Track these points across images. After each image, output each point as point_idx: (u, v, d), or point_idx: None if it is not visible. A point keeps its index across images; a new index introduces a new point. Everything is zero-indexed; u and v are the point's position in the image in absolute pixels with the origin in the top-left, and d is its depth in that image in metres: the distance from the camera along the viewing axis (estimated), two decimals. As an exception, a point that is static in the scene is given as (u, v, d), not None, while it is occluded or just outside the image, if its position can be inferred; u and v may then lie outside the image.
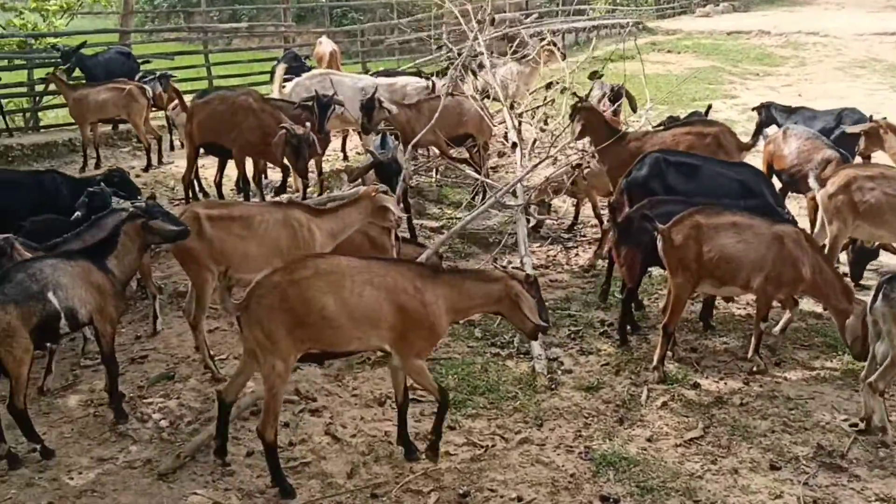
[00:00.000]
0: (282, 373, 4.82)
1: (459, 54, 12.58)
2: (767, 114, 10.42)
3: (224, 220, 6.11)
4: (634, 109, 11.52)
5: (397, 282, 4.86)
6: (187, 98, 11.54)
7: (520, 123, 11.09)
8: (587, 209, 9.52)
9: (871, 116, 9.09)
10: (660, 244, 6.07)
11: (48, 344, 5.69)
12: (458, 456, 5.37)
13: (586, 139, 8.76)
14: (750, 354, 6.33)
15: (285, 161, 8.40)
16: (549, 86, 10.89)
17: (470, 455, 5.36)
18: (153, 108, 13.15)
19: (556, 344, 6.79)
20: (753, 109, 10.77)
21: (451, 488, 5.03)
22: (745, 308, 7.44)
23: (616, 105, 11.22)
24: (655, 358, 6.24)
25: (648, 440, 5.46)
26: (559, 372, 6.34)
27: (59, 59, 13.39)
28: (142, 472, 5.21)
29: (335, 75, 11.32)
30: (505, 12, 21.49)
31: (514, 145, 9.36)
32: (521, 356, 6.61)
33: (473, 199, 10.07)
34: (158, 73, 13.32)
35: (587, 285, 7.99)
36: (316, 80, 10.88)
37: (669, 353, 6.40)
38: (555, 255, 8.84)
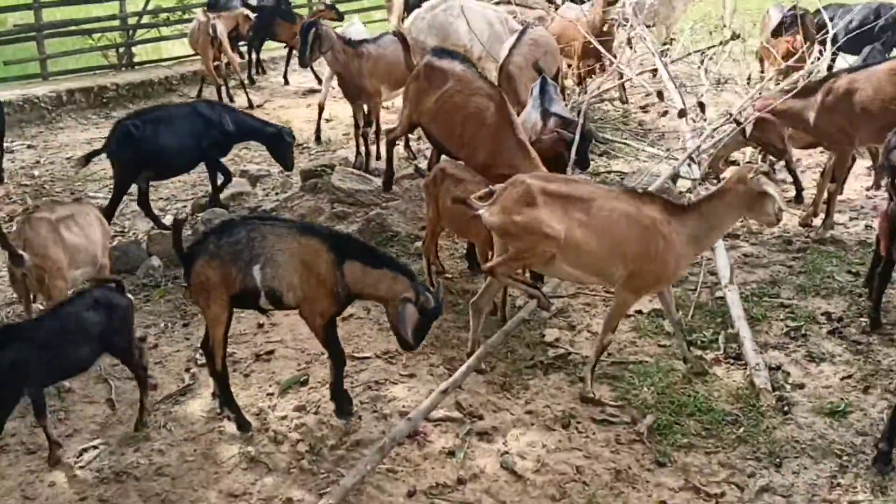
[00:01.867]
0: None
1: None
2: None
3: (562, 197, 4.92)
4: (809, 39, 9.81)
5: None
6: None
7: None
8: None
9: None
10: None
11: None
12: (679, 507, 4.29)
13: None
14: None
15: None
16: (734, 36, 9.28)
17: (696, 508, 4.27)
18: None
19: (772, 345, 5.56)
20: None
21: (678, 558, 3.98)
22: None
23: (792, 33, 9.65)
24: None
25: (939, 497, 4.25)
26: (787, 387, 5.13)
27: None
28: (282, 516, 4.34)
29: (462, 1, 9.90)
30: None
31: (682, 113, 7.82)
32: (732, 361, 5.43)
33: None
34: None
35: (794, 262, 6.65)
36: (440, 10, 9.47)
37: (933, 367, 5.13)
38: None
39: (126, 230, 8.07)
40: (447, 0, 9.62)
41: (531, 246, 4.89)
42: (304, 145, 10.11)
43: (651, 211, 4.87)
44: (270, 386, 5.39)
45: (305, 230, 4.82)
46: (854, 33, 8.88)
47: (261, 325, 6.06)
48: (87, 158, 7.57)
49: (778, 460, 4.54)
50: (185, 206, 8.53)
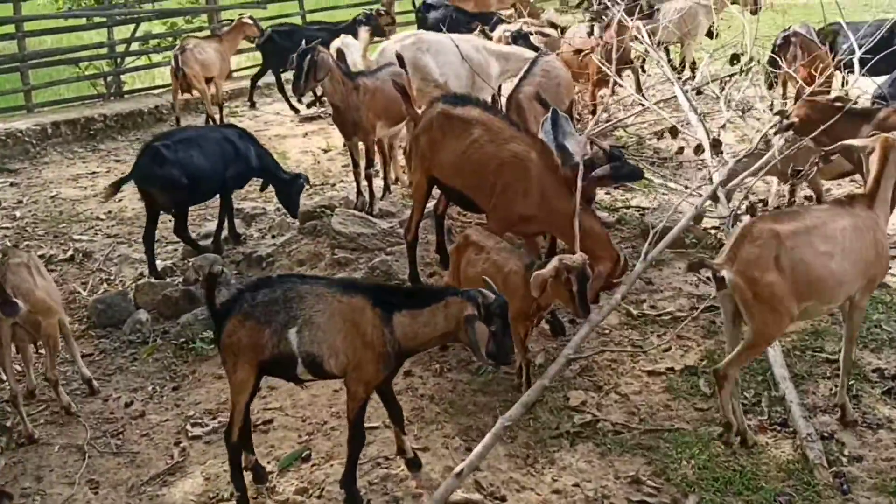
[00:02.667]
0: None
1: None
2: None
3: (802, 235, 4.52)
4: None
5: None
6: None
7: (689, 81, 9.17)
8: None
9: None
10: None
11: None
12: None
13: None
14: None
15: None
16: (734, 59, 8.80)
17: None
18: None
19: (821, 408, 5.10)
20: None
21: None
22: None
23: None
24: None
25: None
26: (843, 459, 4.67)
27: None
28: None
29: (432, 36, 9.31)
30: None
31: (699, 148, 7.29)
32: (779, 428, 4.96)
33: None
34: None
35: (836, 309, 6.18)
36: (409, 43, 8.91)
37: None
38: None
39: (112, 277, 7.62)
40: (417, 34, 9.23)
41: (784, 312, 4.48)
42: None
43: (862, 210, 4.73)
44: (269, 462, 4.92)
45: (347, 287, 4.40)
46: (882, 54, 8.41)
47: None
48: (116, 187, 7.29)
49: (841, 550, 4.08)
50: (175, 249, 8.09)
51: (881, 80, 8.78)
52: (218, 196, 7.69)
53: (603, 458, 4.82)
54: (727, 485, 4.53)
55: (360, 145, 8.15)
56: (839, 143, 5.18)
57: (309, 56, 7.41)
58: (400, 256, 6.78)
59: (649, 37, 9.44)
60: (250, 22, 12.01)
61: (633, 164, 5.85)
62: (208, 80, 11.43)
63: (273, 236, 7.84)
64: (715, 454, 4.77)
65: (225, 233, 7.92)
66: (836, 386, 5.20)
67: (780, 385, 5.10)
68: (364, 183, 8.02)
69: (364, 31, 9.79)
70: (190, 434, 5.25)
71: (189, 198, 7.39)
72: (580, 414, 5.19)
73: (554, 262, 4.72)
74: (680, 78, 8.53)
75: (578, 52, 9.63)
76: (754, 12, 10.84)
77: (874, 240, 4.68)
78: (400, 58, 8.24)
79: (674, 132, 6.89)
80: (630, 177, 5.94)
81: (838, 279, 4.56)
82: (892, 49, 8.53)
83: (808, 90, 7.61)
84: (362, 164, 8.10)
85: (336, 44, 10.20)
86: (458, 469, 4.37)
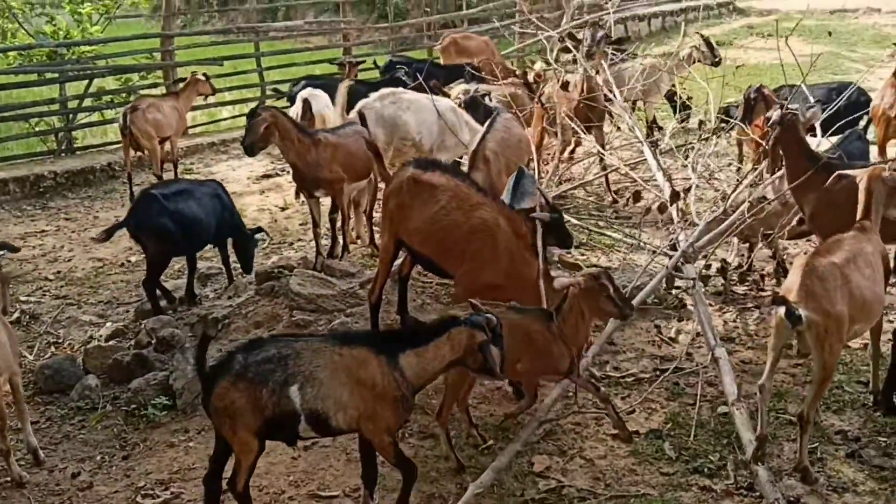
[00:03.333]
0: None
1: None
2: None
3: (852, 263, 4.97)
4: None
5: None
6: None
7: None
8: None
9: None
10: None
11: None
12: None
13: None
14: None
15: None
16: (701, 123, 9.03)
17: None
18: None
19: (786, 471, 5.13)
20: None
21: None
22: None
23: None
24: None
25: None
26: (811, 524, 4.69)
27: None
28: None
29: (410, 94, 9.37)
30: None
31: (665, 207, 7.35)
32: (745, 493, 4.97)
33: None
34: None
35: (797, 369, 6.28)
36: (388, 102, 8.99)
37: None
38: (733, 321, 7.14)
39: (60, 341, 7.44)
40: (396, 93, 9.34)
41: (842, 339, 4.88)
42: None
43: (872, 234, 5.28)
44: (225, 539, 4.79)
45: (344, 340, 4.44)
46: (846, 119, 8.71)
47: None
48: (109, 233, 7.31)
49: None
50: (127, 311, 7.96)
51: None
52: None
53: (569, 528, 4.77)
54: (695, 551, 4.52)
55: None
56: (837, 172, 5.69)
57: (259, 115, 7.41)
58: (360, 318, 6.73)
59: (619, 94, 9.68)
60: (203, 79, 12.02)
61: (568, 231, 6.13)
62: (164, 140, 11.35)
63: (229, 297, 7.74)
64: (682, 520, 4.75)
65: (182, 293, 7.83)
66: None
67: (747, 449, 5.11)
68: (324, 242, 8.00)
69: (343, 87, 9.79)
70: (145, 492, 5.09)
71: (178, 249, 7.55)
72: (545, 480, 5.15)
73: (579, 275, 4.95)
74: (649, 137, 8.70)
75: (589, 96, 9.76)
76: (715, 64, 11.18)
77: (884, 259, 5.24)
78: (362, 116, 8.30)
79: (636, 197, 6.99)
80: (561, 237, 6.04)
81: (879, 299, 5.10)
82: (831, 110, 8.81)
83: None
84: (321, 222, 8.11)
85: (304, 95, 10.23)
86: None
